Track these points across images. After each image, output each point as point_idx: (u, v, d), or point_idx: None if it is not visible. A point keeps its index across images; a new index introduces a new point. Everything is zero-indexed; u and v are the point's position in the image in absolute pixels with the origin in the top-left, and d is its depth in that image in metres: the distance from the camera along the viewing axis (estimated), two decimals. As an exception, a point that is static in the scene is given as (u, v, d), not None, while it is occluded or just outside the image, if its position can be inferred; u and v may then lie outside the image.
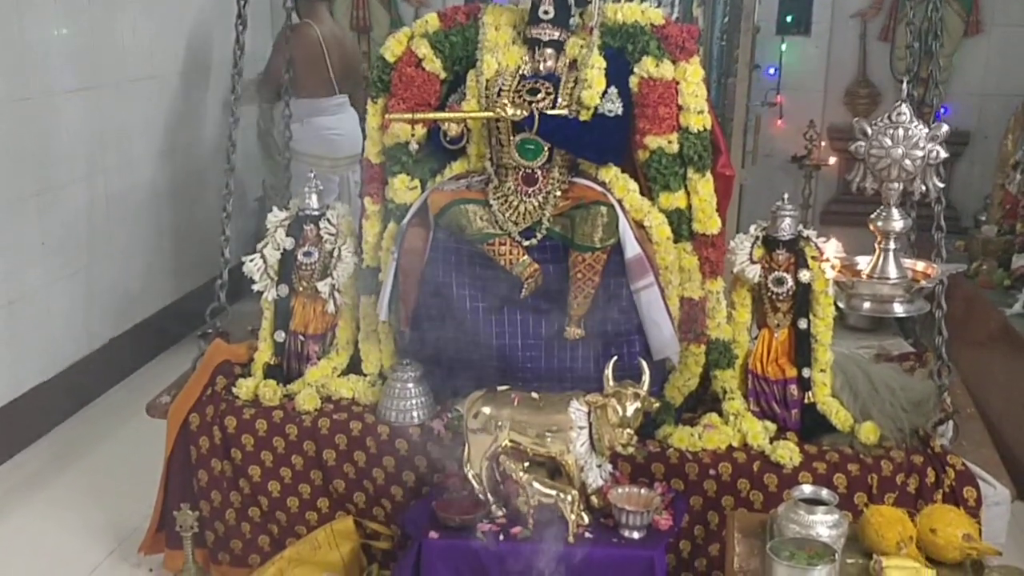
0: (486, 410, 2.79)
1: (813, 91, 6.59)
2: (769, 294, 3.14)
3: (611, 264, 2.92)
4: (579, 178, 3.06)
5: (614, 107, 3.00)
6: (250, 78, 5.35)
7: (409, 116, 3.05)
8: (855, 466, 2.95)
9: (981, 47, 6.37)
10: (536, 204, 3.01)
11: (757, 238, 3.16)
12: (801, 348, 3.12)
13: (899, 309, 3.19)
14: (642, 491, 2.80)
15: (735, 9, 4.73)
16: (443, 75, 3.18)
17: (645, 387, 2.73)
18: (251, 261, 3.39)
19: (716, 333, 3.17)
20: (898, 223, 3.13)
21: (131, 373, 5.06)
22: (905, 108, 3.06)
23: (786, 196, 3.15)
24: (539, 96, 2.99)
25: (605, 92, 2.99)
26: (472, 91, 3.08)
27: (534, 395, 2.80)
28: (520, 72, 3.05)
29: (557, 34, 3.04)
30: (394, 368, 3.23)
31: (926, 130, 3.04)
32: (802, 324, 3.12)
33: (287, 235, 3.40)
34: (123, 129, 5.00)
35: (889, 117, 3.07)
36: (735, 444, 3.05)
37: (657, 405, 2.84)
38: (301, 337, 3.40)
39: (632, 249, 2.93)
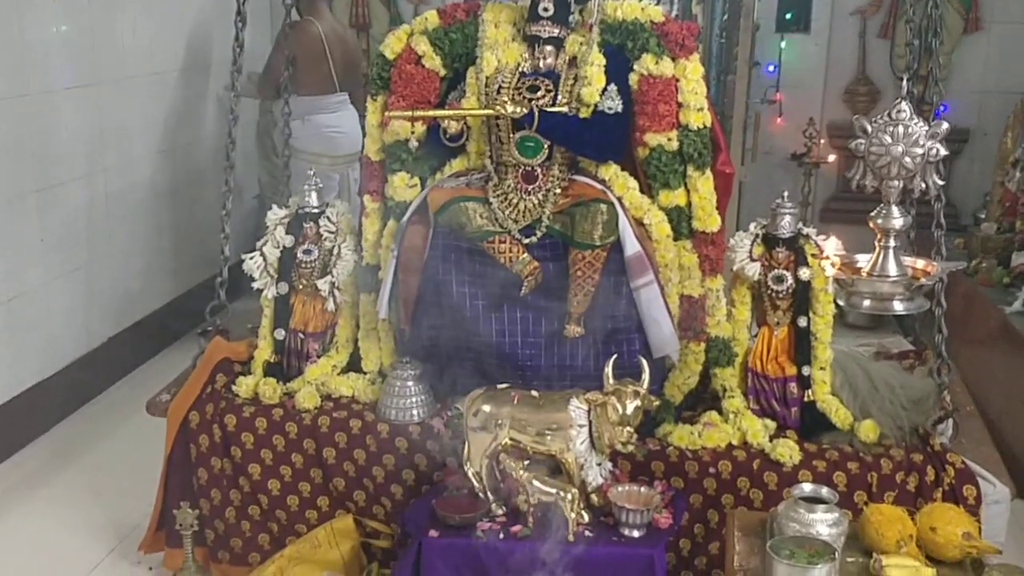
0: (486, 408, 2.79)
1: (813, 88, 6.58)
2: (769, 292, 3.14)
3: (611, 262, 2.92)
4: (579, 176, 3.05)
5: (614, 104, 3.00)
6: (250, 72, 5.36)
7: (409, 113, 3.05)
8: (855, 464, 2.95)
9: (980, 44, 6.37)
10: (536, 202, 3.01)
11: (757, 236, 3.16)
12: (801, 346, 3.12)
13: (899, 307, 3.19)
14: (642, 489, 2.80)
15: (734, 6, 4.73)
16: (443, 72, 3.18)
17: (645, 385, 2.73)
18: (251, 259, 3.39)
19: (716, 331, 3.17)
20: (898, 221, 3.12)
21: (131, 371, 5.06)
22: (905, 105, 3.06)
23: (786, 194, 3.15)
24: (539, 93, 2.99)
25: (605, 89, 2.99)
26: (472, 88, 3.08)
27: (534, 393, 2.80)
28: (520, 69, 3.05)
29: (557, 31, 3.04)
30: (394, 366, 3.23)
31: (926, 127, 3.04)
32: (802, 322, 3.12)
33: (287, 233, 3.40)
34: (123, 127, 4.99)
35: (889, 115, 3.07)
36: (735, 442, 3.05)
37: (657, 403, 2.84)
38: (301, 335, 3.40)
39: (632, 247, 2.93)
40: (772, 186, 3.87)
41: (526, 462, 2.76)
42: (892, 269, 3.15)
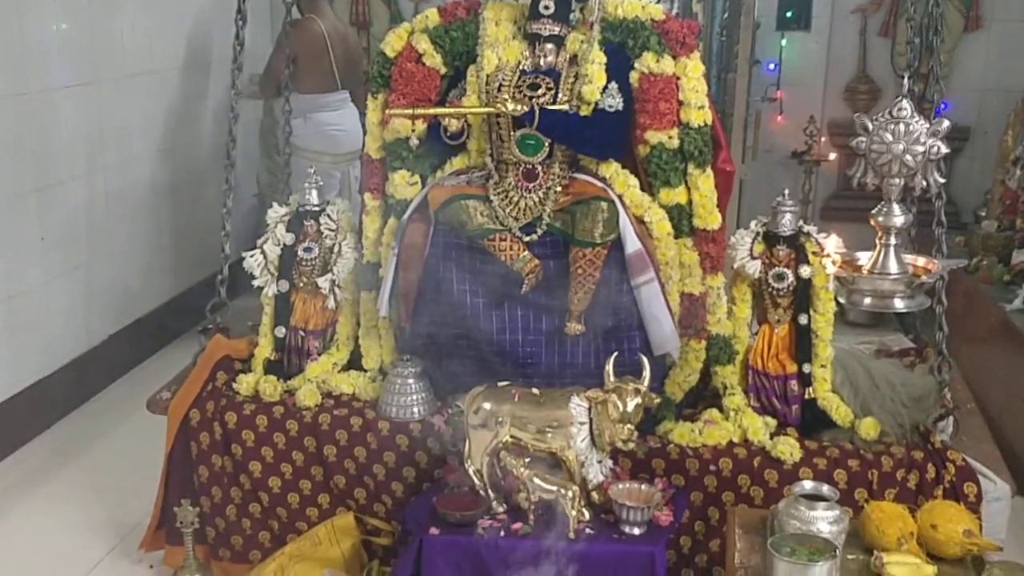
0: (487, 406, 2.79)
1: (813, 87, 6.59)
2: (769, 290, 3.14)
3: (611, 260, 2.92)
4: (579, 174, 3.05)
5: (614, 102, 3.00)
6: (252, 74, 5.36)
7: (409, 112, 3.05)
8: (855, 462, 2.95)
9: (981, 43, 6.37)
10: (536, 200, 3.01)
11: (757, 234, 3.16)
12: (801, 344, 3.12)
13: (900, 305, 3.19)
14: (643, 487, 2.80)
15: (735, 4, 4.73)
16: (443, 70, 3.18)
17: (646, 383, 2.72)
18: (251, 257, 3.39)
19: (716, 329, 3.17)
20: (899, 219, 3.13)
21: (131, 369, 5.06)
22: (906, 104, 3.06)
23: (786, 192, 3.15)
24: (539, 91, 2.99)
25: (605, 87, 2.99)
26: (472, 86, 3.08)
27: (535, 391, 2.79)
28: (520, 67, 3.05)
29: (557, 29, 3.04)
30: (394, 364, 3.23)
31: (927, 126, 3.04)
32: (802, 320, 3.11)
33: (287, 231, 3.40)
34: (123, 126, 4.99)
35: (890, 113, 3.07)
36: (735, 440, 3.05)
37: (658, 401, 2.84)
38: (301, 333, 3.40)
39: (632, 245, 2.92)
40: (773, 184, 3.87)
41: (527, 459, 2.76)
42: (893, 267, 3.16)
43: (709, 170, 3.08)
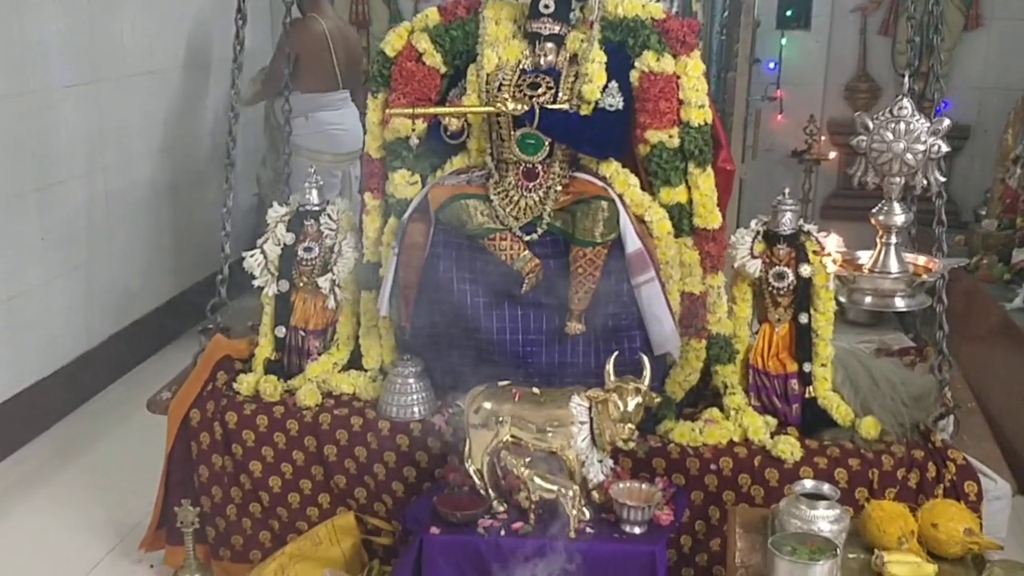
0: (487, 405, 2.79)
1: (813, 86, 6.58)
2: (770, 289, 3.14)
3: (612, 259, 2.92)
4: (580, 173, 3.05)
5: (615, 101, 2.99)
6: (252, 79, 5.36)
7: (409, 111, 3.05)
8: (856, 461, 2.95)
9: (981, 41, 6.37)
10: (537, 199, 3.00)
11: (758, 233, 3.15)
12: (802, 343, 3.12)
13: (900, 303, 3.19)
14: (643, 486, 2.80)
15: (735, 3, 4.73)
16: (443, 70, 3.18)
17: (646, 382, 2.72)
18: (251, 257, 3.39)
19: (717, 328, 3.17)
20: (900, 217, 3.13)
21: (131, 369, 5.06)
22: (907, 102, 3.05)
23: (787, 191, 3.15)
24: (540, 91, 2.99)
25: (606, 86, 2.98)
26: (472, 86, 3.07)
27: (535, 390, 2.79)
28: (520, 66, 3.04)
29: (557, 28, 3.03)
30: (395, 363, 3.23)
31: (928, 124, 3.04)
32: (803, 319, 3.11)
33: (288, 230, 3.40)
34: (123, 125, 4.99)
35: (891, 111, 3.07)
36: (736, 439, 3.05)
37: (658, 400, 2.83)
38: (302, 332, 3.39)
39: (633, 244, 2.92)
40: (773, 183, 3.86)
41: (527, 459, 2.76)
42: (894, 266, 3.15)
43: (709, 169, 3.08)
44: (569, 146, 3.03)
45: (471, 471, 2.82)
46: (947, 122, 3.05)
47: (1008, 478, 2.97)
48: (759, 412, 3.11)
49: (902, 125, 3.04)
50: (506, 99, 2.94)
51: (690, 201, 3.10)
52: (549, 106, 2.96)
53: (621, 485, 2.78)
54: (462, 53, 3.15)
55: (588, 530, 2.70)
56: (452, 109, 3.06)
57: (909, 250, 3.41)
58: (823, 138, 6.41)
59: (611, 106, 2.99)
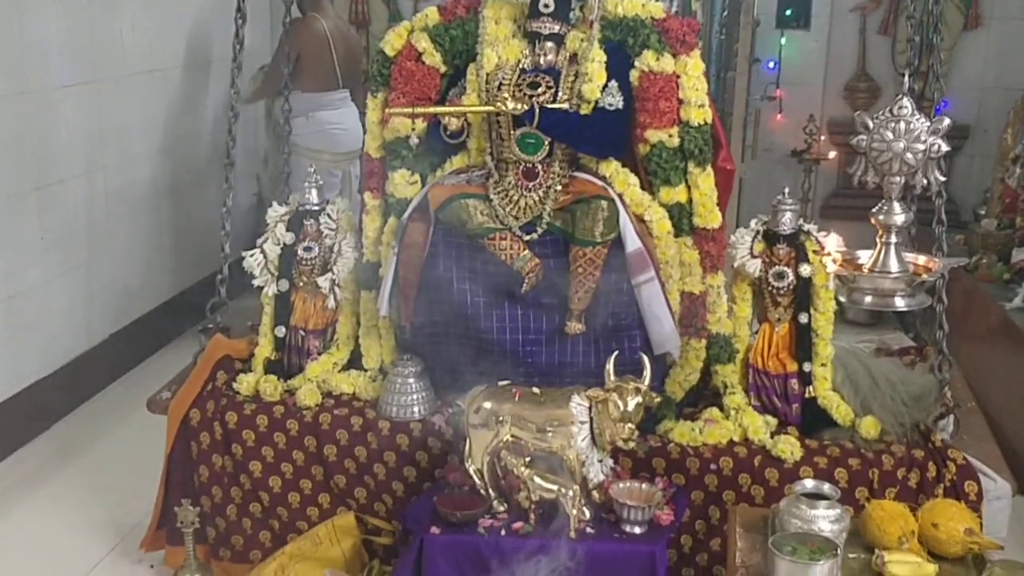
0: (487, 405, 2.79)
1: (813, 85, 6.58)
2: (770, 288, 3.14)
3: (612, 259, 2.92)
4: (580, 172, 3.05)
5: (614, 101, 2.99)
6: (253, 75, 5.35)
7: (409, 110, 3.04)
8: (856, 460, 2.95)
9: (980, 41, 6.37)
10: (537, 199, 3.00)
11: (758, 232, 3.15)
12: (802, 342, 3.12)
13: (900, 303, 3.19)
14: (643, 486, 2.80)
15: (734, 3, 4.73)
16: (443, 69, 3.18)
17: (646, 382, 2.72)
18: (251, 256, 3.39)
19: (717, 328, 3.17)
20: (900, 217, 3.12)
21: (131, 369, 5.06)
22: (907, 102, 3.05)
23: (786, 190, 3.15)
24: (539, 90, 2.98)
25: (605, 86, 2.98)
26: (472, 85, 3.07)
27: (535, 390, 2.79)
28: (520, 66, 3.04)
29: (557, 28, 3.03)
30: (395, 363, 3.23)
31: (928, 124, 3.04)
32: (803, 318, 3.11)
33: (287, 230, 3.40)
34: (122, 125, 4.99)
35: (891, 111, 3.07)
36: (736, 439, 3.05)
37: (658, 400, 2.83)
38: (301, 332, 3.39)
39: (633, 243, 2.92)
40: (772, 183, 3.86)
41: (527, 459, 2.76)
42: (894, 265, 3.15)
43: (709, 169, 3.08)
44: (569, 145, 3.03)
45: (471, 471, 2.82)
46: (947, 121, 3.05)
47: (1008, 478, 2.97)
48: (759, 412, 3.11)
49: (902, 124, 3.04)
50: (506, 98, 2.94)
51: (690, 200, 3.10)
52: (549, 105, 2.96)
53: (621, 485, 2.78)
54: (462, 52, 3.15)
55: (588, 530, 2.70)
56: (452, 109, 3.06)
57: (909, 250, 3.41)
58: (823, 137, 6.41)
59: (611, 105, 2.99)
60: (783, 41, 6.45)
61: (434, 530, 2.73)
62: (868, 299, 3.19)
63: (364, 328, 3.36)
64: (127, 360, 5.05)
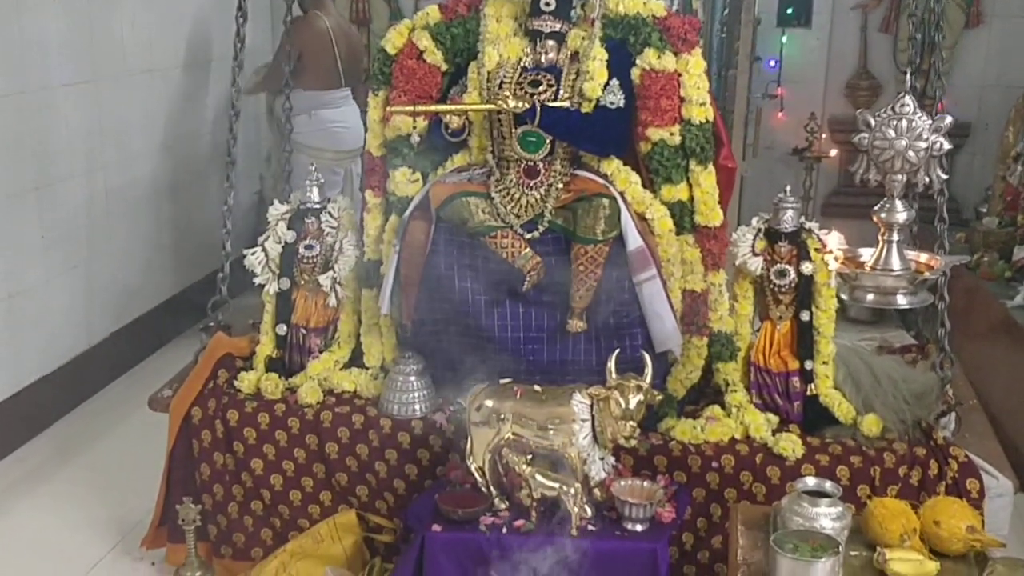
0: (488, 403, 2.79)
1: (814, 83, 6.58)
2: (771, 286, 3.14)
3: (613, 256, 2.92)
4: (581, 170, 3.05)
5: (616, 99, 2.99)
6: (256, 69, 5.34)
7: (410, 109, 3.04)
8: (858, 458, 2.95)
9: (982, 39, 6.37)
10: (538, 197, 3.00)
11: (759, 230, 3.15)
12: (803, 340, 3.12)
13: (902, 301, 3.19)
14: (645, 484, 2.80)
15: (735, 1, 4.72)
16: (444, 67, 3.17)
17: (648, 380, 2.72)
18: (252, 254, 3.39)
19: (718, 325, 3.17)
20: (902, 215, 3.12)
21: (132, 367, 5.05)
22: (909, 99, 3.05)
23: (788, 188, 3.15)
24: (541, 88, 2.98)
25: (607, 84, 2.98)
26: (474, 83, 3.07)
27: (536, 388, 2.79)
28: (521, 64, 3.04)
29: (559, 26, 3.03)
30: (396, 361, 3.22)
31: (929, 121, 3.03)
32: (804, 316, 3.11)
33: (288, 228, 3.40)
34: (122, 123, 4.98)
35: (892, 108, 3.07)
36: (738, 436, 3.04)
37: (660, 398, 2.83)
38: (303, 330, 3.39)
39: (634, 241, 2.92)
40: (773, 181, 3.86)
41: (529, 457, 2.76)
42: (896, 263, 3.15)
43: (711, 167, 3.08)
44: (570, 144, 3.03)
45: (473, 469, 2.81)
46: (949, 119, 3.05)
47: (1010, 475, 2.97)
48: (760, 410, 3.11)
49: (904, 122, 3.04)
50: (507, 97, 2.93)
51: (691, 199, 3.10)
52: (550, 104, 2.95)
53: (623, 482, 2.78)
54: (463, 51, 3.15)
55: (590, 527, 2.70)
56: (453, 107, 3.06)
57: (910, 247, 3.41)
58: (824, 136, 6.41)
59: (612, 104, 2.99)
60: (784, 39, 6.46)
61: (435, 528, 2.73)
62: (870, 297, 3.20)
63: (365, 326, 3.36)
64: (128, 359, 5.05)
